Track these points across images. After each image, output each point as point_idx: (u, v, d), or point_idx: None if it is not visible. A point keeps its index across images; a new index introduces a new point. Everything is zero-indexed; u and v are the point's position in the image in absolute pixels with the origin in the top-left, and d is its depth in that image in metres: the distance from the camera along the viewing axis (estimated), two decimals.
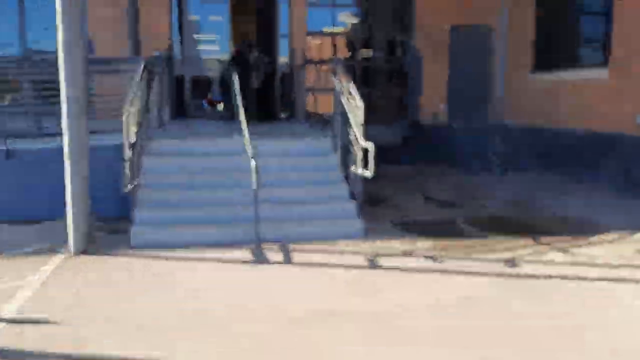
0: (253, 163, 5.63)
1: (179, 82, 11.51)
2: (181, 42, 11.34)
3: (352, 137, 6.56)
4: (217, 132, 8.65)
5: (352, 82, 6.83)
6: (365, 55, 12.65)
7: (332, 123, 7.71)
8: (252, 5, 11.49)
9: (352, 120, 6.48)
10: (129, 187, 5.19)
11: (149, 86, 6.91)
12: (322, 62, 10.25)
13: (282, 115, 11.77)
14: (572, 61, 9.97)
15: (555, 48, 10.53)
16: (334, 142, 7.39)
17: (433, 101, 12.28)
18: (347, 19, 12.54)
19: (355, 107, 6.53)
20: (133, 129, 5.89)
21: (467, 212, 7.43)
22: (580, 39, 10.02)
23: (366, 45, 12.61)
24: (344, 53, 12.28)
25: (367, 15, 12.27)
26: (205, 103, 13.30)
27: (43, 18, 10.69)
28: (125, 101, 5.98)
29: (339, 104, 7.22)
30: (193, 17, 11.59)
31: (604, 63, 9.05)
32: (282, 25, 11.64)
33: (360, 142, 6.12)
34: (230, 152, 6.83)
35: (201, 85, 12.23)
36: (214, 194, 6.28)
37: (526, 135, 11.16)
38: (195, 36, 11.48)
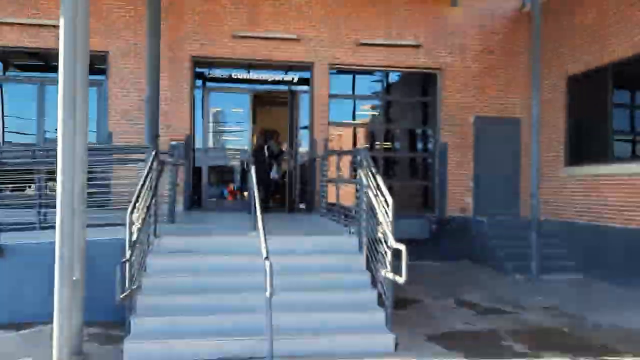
0: (267, 264, 4.95)
1: (196, 172, 11.14)
2: (202, 132, 11.08)
3: (379, 235, 5.90)
4: (232, 226, 8.05)
5: (378, 175, 6.26)
6: (388, 146, 12.30)
7: (356, 218, 7.09)
8: (273, 95, 11.33)
9: (380, 217, 5.85)
10: (125, 293, 4.50)
11: (159, 177, 6.42)
12: (344, 152, 9.82)
13: (302, 207, 11.24)
14: (610, 154, 9.40)
15: (590, 141, 10.01)
16: (359, 240, 6.71)
17: (459, 194, 11.69)
18: (369, 109, 12.31)
19: (383, 203, 5.91)
20: (137, 225, 5.29)
21: (508, 322, 6.54)
22: (616, 132, 9.48)
23: (389, 135, 12.31)
24: (366, 144, 11.95)
25: (390, 106, 12.01)
26: (226, 192, 12.86)
27: None
28: (135, 194, 5.47)
29: (364, 197, 6.64)
30: (214, 108, 11.42)
31: None
32: (303, 116, 11.42)
33: (391, 242, 5.44)
34: (243, 250, 6.17)
35: (223, 174, 11.84)
36: (222, 300, 5.53)
37: (563, 233, 10.38)
38: (215, 126, 11.21)
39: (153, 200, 6.27)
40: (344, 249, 6.67)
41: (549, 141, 10.80)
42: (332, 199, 11.03)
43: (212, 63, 11.16)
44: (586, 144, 10.12)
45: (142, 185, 5.71)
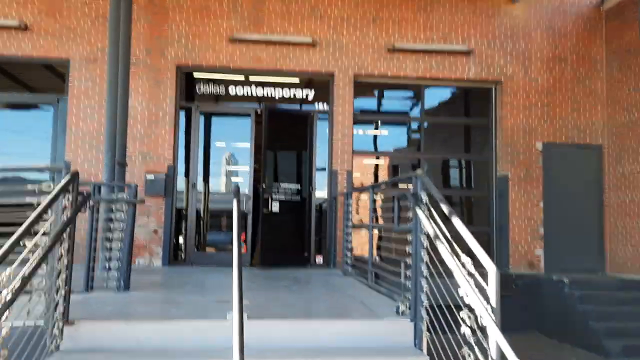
0: None
1: (181, 215, 8.51)
2: (189, 164, 8.51)
3: (466, 328, 3.15)
4: (213, 298, 5.34)
5: (455, 217, 3.56)
6: None
7: (407, 284, 4.40)
8: (282, 117, 8.76)
9: (469, 295, 3.11)
10: None
11: (72, 220, 3.78)
12: (376, 186, 7.16)
13: (318, 261, 8.51)
14: None
15: None
16: (415, 327, 3.97)
17: (525, 244, 8.87)
18: (403, 134, 9.66)
19: (469, 266, 3.21)
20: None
21: None
22: None
23: (429, 168, 9.57)
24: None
25: (431, 130, 9.34)
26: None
27: None
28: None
29: (423, 254, 3.97)
30: (206, 133, 8.85)
31: None
32: (322, 142, 8.81)
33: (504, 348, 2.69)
34: (218, 347, 3.47)
35: (217, 218, 9.15)
36: None
37: None
38: (207, 156, 8.62)
39: (63, 260, 3.62)
40: (390, 345, 3.92)
41: None
42: (361, 250, 8.39)
43: (203, 74, 8.68)
44: None
45: (22, 234, 3.07)
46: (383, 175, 9.23)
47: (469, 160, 9.51)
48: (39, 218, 3.20)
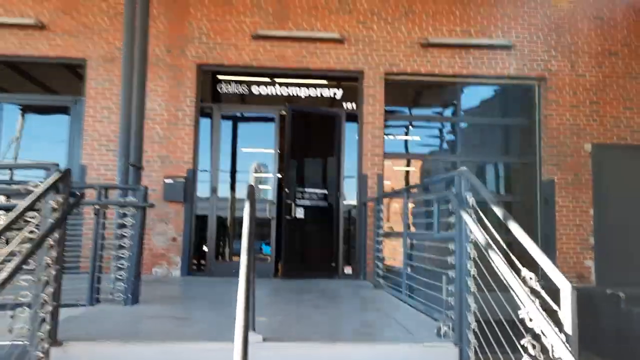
0: None
1: (201, 221, 8.04)
2: (209, 168, 8.05)
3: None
4: (228, 314, 4.78)
5: (513, 222, 2.95)
6: None
7: (449, 301, 3.80)
8: (306, 123, 8.21)
9: (539, 322, 2.49)
10: None
11: (57, 226, 3.30)
12: (411, 188, 6.55)
13: (347, 272, 7.92)
14: None
15: None
16: (460, 352, 3.35)
17: (574, 254, 8.10)
18: (437, 136, 9.01)
19: (534, 282, 2.60)
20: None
21: None
22: None
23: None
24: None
25: (468, 131, 8.67)
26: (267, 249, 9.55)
27: None
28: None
29: (470, 265, 3.37)
30: (228, 136, 8.37)
31: None
32: (350, 145, 8.24)
33: None
34: None
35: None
36: None
37: None
38: (230, 165, 8.15)
39: (50, 270, 3.14)
40: None
41: None
42: (393, 259, 7.78)
43: (225, 73, 8.23)
44: None
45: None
46: (415, 182, 8.57)
47: (509, 164, 8.78)
48: (17, 220, 2.72)
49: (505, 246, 3.00)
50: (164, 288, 6.29)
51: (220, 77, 8.21)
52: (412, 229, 7.06)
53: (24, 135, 7.96)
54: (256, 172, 8.33)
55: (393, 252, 7.64)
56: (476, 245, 3.41)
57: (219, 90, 8.21)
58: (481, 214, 3.34)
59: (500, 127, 8.80)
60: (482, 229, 3.24)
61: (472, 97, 8.72)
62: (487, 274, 3.28)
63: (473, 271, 3.44)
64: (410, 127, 8.75)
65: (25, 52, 7.84)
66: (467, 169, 3.62)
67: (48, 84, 8.27)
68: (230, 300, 5.26)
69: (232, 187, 8.19)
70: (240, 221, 8.32)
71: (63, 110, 8.06)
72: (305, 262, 7.65)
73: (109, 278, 4.98)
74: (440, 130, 8.80)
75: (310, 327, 4.04)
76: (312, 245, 7.77)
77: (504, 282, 2.84)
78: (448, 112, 8.77)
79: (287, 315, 4.56)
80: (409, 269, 5.54)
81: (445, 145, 8.78)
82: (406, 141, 8.72)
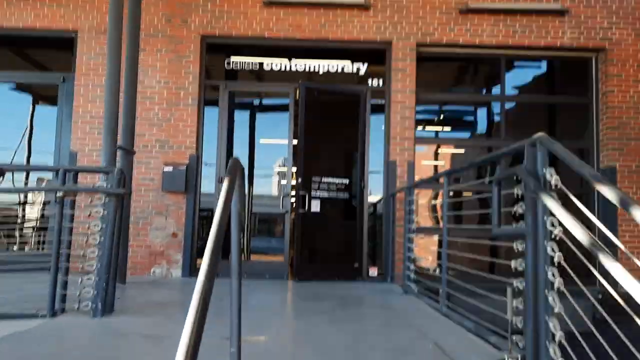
0: None
1: (205, 215, 7.08)
2: (216, 154, 7.06)
3: None
4: (220, 331, 3.76)
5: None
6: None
7: (515, 322, 2.74)
8: (324, 102, 7.16)
9: None
10: None
11: None
12: (455, 172, 5.38)
13: (372, 273, 6.86)
14: None
15: None
16: None
17: (637, 253, 6.88)
18: (478, 119, 7.87)
19: None
20: None
21: None
22: None
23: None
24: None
25: (513, 111, 7.49)
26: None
27: None
28: None
29: (546, 269, 2.29)
30: (237, 117, 7.38)
31: None
32: (374, 129, 7.17)
33: None
34: None
35: (255, 220, 7.66)
36: None
37: None
38: (238, 144, 7.17)
39: None
40: None
41: None
42: (425, 261, 6.69)
43: (232, 46, 7.23)
44: None
45: None
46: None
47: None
48: None
49: (622, 246, 1.93)
50: (154, 292, 5.33)
51: (227, 50, 7.22)
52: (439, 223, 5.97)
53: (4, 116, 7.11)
54: (280, 167, 7.34)
55: (425, 251, 6.57)
56: (561, 243, 2.36)
57: (226, 65, 7.21)
58: (575, 200, 2.27)
59: (551, 107, 7.60)
60: (575, 222, 2.16)
61: (518, 72, 7.54)
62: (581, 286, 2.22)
63: (557, 282, 2.36)
64: (444, 107, 7.63)
65: (8, 24, 6.97)
66: (547, 135, 2.53)
67: (35, 60, 7.40)
68: (229, 308, 4.24)
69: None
70: (254, 215, 7.33)
71: (51, 89, 7.17)
72: (322, 262, 6.61)
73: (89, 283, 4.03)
74: (482, 111, 7.66)
75: (323, 355, 3.00)
76: (331, 242, 6.72)
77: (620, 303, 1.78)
78: (490, 90, 7.62)
79: (295, 332, 3.54)
80: (448, 273, 4.46)
81: (487, 128, 7.64)
82: (440, 124, 7.61)
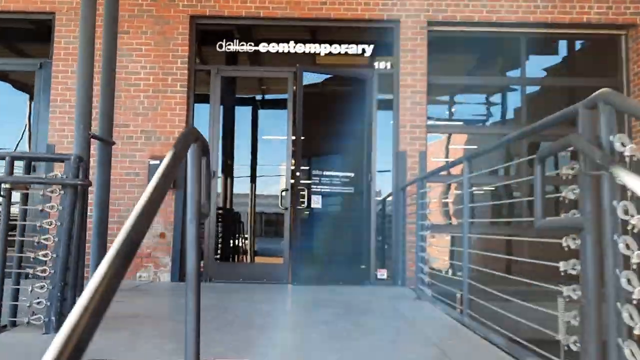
0: None
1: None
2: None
3: None
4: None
5: None
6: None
7: (568, 342, 2.05)
8: (326, 87, 6.51)
9: None
10: None
11: None
12: (479, 155, 4.60)
13: (381, 276, 6.20)
14: None
15: None
16: None
17: None
18: (490, 102, 7.19)
19: None
20: None
21: None
22: None
23: (530, 148, 6.96)
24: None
25: (535, 96, 6.79)
26: None
27: None
28: None
29: (618, 272, 1.61)
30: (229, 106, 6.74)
31: None
32: (382, 116, 6.51)
33: None
34: None
35: (252, 219, 7.04)
36: None
37: None
38: (230, 136, 6.51)
39: None
40: None
41: None
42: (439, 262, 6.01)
43: (225, 27, 6.60)
44: None
45: None
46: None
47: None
48: None
49: None
50: (136, 300, 4.69)
51: (219, 31, 6.58)
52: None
53: None
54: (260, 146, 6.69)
55: (439, 251, 5.92)
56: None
57: (218, 48, 6.57)
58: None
59: (576, 90, 6.90)
60: None
61: (539, 52, 6.85)
62: None
63: (637, 292, 1.69)
64: (459, 92, 6.96)
65: None
66: (613, 90, 1.87)
67: (10, 44, 6.83)
68: (224, 322, 3.56)
69: (234, 171, 6.56)
70: (245, 213, 6.69)
71: (27, 76, 6.58)
72: (325, 264, 5.94)
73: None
74: (501, 96, 6.98)
75: None
76: (335, 242, 6.06)
77: None
78: (509, 73, 6.94)
79: (284, 355, 2.88)
80: (448, 272, 3.79)
81: (507, 115, 6.97)
82: (453, 111, 6.95)
